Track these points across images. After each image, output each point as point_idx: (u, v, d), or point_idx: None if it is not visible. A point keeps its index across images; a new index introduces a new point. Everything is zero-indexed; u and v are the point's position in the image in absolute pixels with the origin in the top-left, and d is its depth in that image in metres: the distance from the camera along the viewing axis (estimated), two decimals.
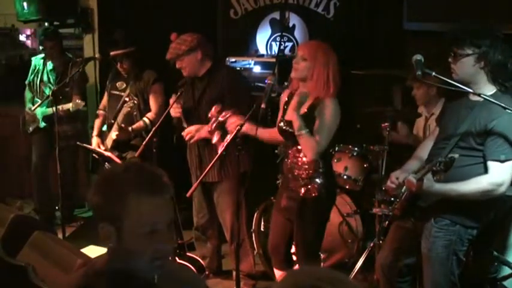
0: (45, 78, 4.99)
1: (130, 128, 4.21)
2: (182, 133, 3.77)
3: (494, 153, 2.53)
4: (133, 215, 1.51)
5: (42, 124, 4.96)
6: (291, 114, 3.05)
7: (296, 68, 3.09)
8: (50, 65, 4.99)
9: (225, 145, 3.10)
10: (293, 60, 3.14)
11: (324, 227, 3.28)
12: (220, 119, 3.34)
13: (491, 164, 2.55)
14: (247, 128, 3.11)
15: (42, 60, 5.04)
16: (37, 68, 5.04)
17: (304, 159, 3.11)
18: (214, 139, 3.45)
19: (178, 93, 3.73)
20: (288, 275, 1.13)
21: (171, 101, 3.75)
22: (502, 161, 2.52)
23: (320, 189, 3.10)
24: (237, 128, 3.04)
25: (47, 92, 4.95)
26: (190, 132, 3.71)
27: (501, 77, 2.57)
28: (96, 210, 1.57)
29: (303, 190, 3.13)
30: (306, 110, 3.09)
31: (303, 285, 1.06)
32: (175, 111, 3.75)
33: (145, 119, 4.28)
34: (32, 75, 5.05)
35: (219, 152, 3.20)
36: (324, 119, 3.01)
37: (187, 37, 3.68)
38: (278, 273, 3.57)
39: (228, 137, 3.16)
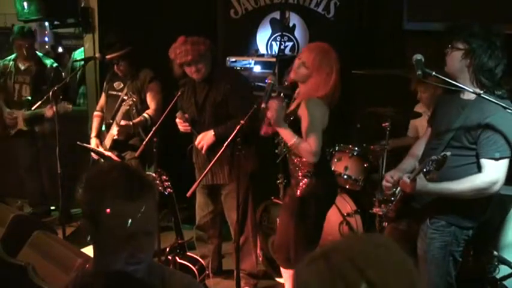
0: (19, 79, 5.02)
1: (131, 122, 4.19)
2: (195, 143, 3.77)
3: (488, 151, 2.53)
4: (109, 217, 1.50)
5: (24, 127, 5.00)
6: (278, 130, 3.05)
7: (296, 71, 3.11)
8: (21, 66, 5.02)
9: (225, 144, 3.10)
10: (295, 59, 3.15)
11: (316, 226, 3.28)
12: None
13: (485, 162, 2.54)
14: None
15: (13, 62, 5.06)
16: (8, 69, 5.05)
17: (299, 158, 3.14)
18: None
19: (179, 93, 3.73)
20: (355, 237, 1.09)
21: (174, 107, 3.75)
22: (497, 159, 2.52)
23: (312, 188, 3.13)
24: (237, 128, 3.05)
25: (23, 93, 4.99)
26: (199, 142, 3.72)
27: (483, 80, 2.58)
28: (80, 206, 1.59)
29: (298, 188, 3.16)
30: (293, 108, 3.14)
31: (365, 254, 1.01)
32: (184, 128, 3.75)
33: (145, 114, 4.27)
34: (3, 78, 5.06)
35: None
36: (309, 118, 3.02)
37: (199, 39, 3.66)
38: (284, 272, 3.58)
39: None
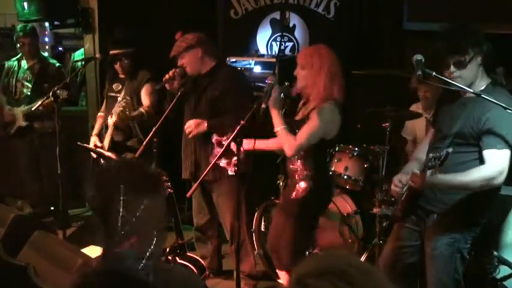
0: (21, 77, 5.02)
1: (129, 114, 4.18)
2: (185, 127, 3.76)
3: (490, 143, 2.55)
4: (118, 214, 1.52)
5: (23, 123, 5.00)
6: (271, 111, 3.07)
7: (297, 77, 3.14)
8: (24, 64, 5.02)
9: (225, 145, 3.11)
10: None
11: (307, 229, 3.30)
12: (224, 143, 3.37)
13: (488, 153, 2.55)
14: (245, 145, 3.14)
15: (16, 62, 5.07)
16: (12, 69, 5.06)
17: (298, 161, 3.14)
18: (222, 163, 3.50)
19: (179, 93, 3.74)
20: (320, 256, 1.12)
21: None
22: (499, 149, 2.54)
23: (308, 192, 3.13)
24: (237, 128, 3.05)
25: (25, 91, 5.00)
26: (190, 126, 3.71)
27: (490, 64, 2.61)
28: (91, 203, 1.61)
29: (294, 190, 3.16)
30: (306, 114, 3.13)
31: (332, 267, 1.05)
32: (168, 76, 3.69)
33: (141, 109, 4.26)
34: (7, 78, 5.08)
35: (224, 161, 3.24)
36: (312, 120, 3.04)
37: (189, 35, 3.72)
38: (281, 274, 3.58)
39: (230, 168, 3.22)
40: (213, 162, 3.22)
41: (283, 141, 3.06)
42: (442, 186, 2.65)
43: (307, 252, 3.46)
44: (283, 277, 3.57)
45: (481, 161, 2.59)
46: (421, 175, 2.56)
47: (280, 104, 3.09)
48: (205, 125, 3.67)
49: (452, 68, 2.59)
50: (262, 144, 3.23)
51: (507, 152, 2.55)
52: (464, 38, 2.57)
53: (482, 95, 2.53)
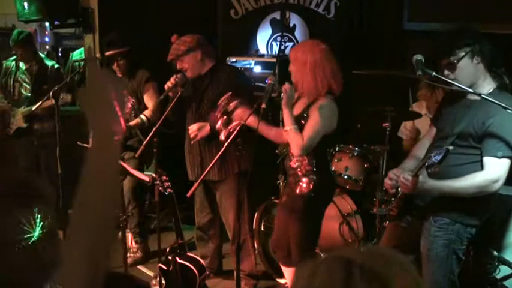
0: (19, 78, 5.02)
1: (127, 125, 4.20)
2: (188, 132, 3.76)
3: (491, 150, 2.54)
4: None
5: (24, 124, 5.00)
6: (283, 110, 3.09)
7: (290, 72, 3.16)
8: (22, 65, 5.03)
9: (225, 145, 3.11)
10: None
11: (315, 224, 3.30)
12: (228, 107, 3.34)
13: (487, 160, 2.55)
14: (251, 120, 3.13)
15: (14, 62, 5.07)
16: (10, 69, 5.06)
17: (300, 157, 3.15)
18: (218, 124, 3.41)
19: (179, 94, 3.74)
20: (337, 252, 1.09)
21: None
22: (499, 157, 2.53)
23: (311, 187, 3.13)
24: (238, 128, 3.05)
25: (23, 91, 5.01)
26: (193, 130, 3.72)
27: (494, 66, 2.60)
28: None
29: (297, 187, 3.17)
30: (300, 110, 3.15)
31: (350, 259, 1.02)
32: (170, 82, 3.68)
33: (142, 116, 4.27)
34: (5, 78, 5.07)
35: (222, 142, 3.19)
36: (313, 118, 3.06)
37: (187, 38, 3.71)
38: (285, 269, 3.58)
39: (222, 132, 3.20)
40: (213, 161, 3.21)
41: (292, 140, 3.07)
42: (434, 192, 2.65)
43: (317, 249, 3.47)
44: (289, 273, 3.56)
45: (481, 164, 2.58)
46: (413, 180, 2.56)
47: (292, 103, 3.10)
48: (208, 127, 3.67)
49: (445, 71, 2.60)
50: (264, 129, 3.22)
51: (507, 161, 2.54)
52: (450, 40, 2.58)
53: (483, 95, 2.52)
